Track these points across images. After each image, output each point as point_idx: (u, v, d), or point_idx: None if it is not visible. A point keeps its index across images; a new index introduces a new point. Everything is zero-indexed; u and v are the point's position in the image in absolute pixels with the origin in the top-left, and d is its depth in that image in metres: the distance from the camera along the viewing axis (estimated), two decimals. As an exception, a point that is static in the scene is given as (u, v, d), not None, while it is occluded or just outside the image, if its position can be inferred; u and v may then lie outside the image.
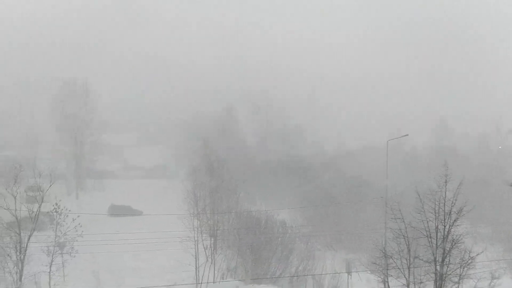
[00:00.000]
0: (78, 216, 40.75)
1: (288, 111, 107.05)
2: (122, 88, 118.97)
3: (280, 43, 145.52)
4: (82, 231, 40.29)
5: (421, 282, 27.66)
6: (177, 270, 42.07)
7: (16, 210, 37.76)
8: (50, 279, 38.94)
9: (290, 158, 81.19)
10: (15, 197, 37.86)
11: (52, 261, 39.09)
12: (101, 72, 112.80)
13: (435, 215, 26.34)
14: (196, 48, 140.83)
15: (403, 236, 27.18)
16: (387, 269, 28.47)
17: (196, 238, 41.77)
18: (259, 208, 52.53)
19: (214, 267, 42.59)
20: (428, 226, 26.48)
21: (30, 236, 37.83)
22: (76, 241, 40.11)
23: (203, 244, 42.86)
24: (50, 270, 38.98)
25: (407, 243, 27.15)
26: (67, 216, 40.51)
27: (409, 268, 27.09)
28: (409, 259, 27.07)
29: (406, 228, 27.37)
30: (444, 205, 26.26)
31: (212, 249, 44.57)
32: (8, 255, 37.26)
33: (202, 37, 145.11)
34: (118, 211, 63.78)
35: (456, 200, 26.50)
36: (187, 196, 46.77)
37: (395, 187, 46.29)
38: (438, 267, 26.30)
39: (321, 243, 52.25)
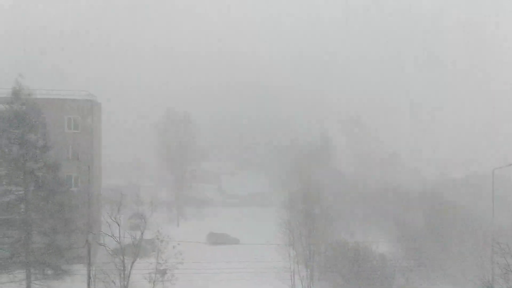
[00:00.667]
0: (179, 244, 41.89)
1: (384, 138, 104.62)
2: (220, 115, 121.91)
3: (378, 67, 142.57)
4: (183, 259, 41.34)
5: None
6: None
7: (120, 237, 39.49)
8: (151, 306, 40.14)
9: (388, 187, 78.79)
10: (119, 225, 39.66)
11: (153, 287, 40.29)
12: (200, 101, 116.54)
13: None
14: (291, 73, 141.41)
15: (513, 273, 25.40)
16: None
17: (292, 269, 41.39)
18: (356, 238, 51.13)
19: (311, 298, 41.93)
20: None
21: (133, 262, 39.34)
22: (177, 268, 41.16)
23: (299, 275, 42.35)
24: (152, 296, 40.20)
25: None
26: (168, 243, 41.71)
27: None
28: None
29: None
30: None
31: (309, 280, 43.88)
32: (113, 281, 38.82)
33: (296, 59, 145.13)
34: (216, 239, 64.82)
35: None
36: (283, 225, 46.69)
37: (502, 220, 43.47)
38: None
39: (423, 277, 49.87)
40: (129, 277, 39.22)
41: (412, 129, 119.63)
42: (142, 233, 40.37)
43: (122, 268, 39.16)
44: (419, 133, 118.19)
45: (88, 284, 36.56)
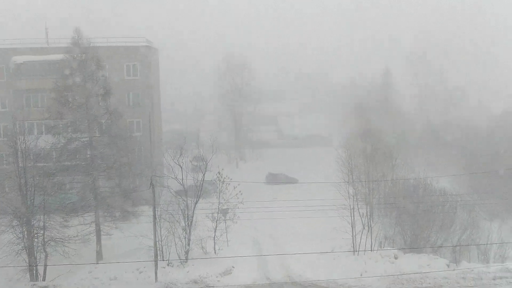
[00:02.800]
0: (239, 184, 42.75)
1: (448, 73, 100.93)
2: (276, 58, 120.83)
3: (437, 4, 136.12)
4: (243, 198, 42.29)
5: None
6: (334, 237, 42.36)
7: (182, 179, 40.70)
8: (215, 244, 41.59)
9: (452, 123, 76.75)
10: (181, 167, 40.81)
11: (216, 227, 41.63)
12: (256, 43, 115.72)
13: None
14: (348, 8, 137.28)
15: None
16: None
17: (351, 206, 41.57)
18: (417, 175, 50.51)
19: (371, 235, 42.14)
20: None
21: (195, 203, 40.68)
22: (238, 208, 42.26)
23: (359, 212, 42.54)
24: (215, 235, 41.59)
25: None
26: (229, 184, 42.70)
27: None
28: None
29: None
30: None
31: (369, 217, 44.02)
32: (177, 221, 40.35)
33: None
34: (274, 179, 65.69)
35: None
36: (341, 163, 46.63)
37: None
38: None
39: (486, 212, 49.03)
40: (192, 216, 40.65)
41: (478, 64, 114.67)
42: (203, 175, 41.46)
43: (185, 209, 40.60)
44: (486, 68, 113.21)
45: (154, 224, 38.16)
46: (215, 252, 41.22)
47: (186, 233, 40.38)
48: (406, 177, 49.25)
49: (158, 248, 38.80)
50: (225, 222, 42.62)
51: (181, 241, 40.34)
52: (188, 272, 38.84)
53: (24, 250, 37.03)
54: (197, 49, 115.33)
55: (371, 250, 41.28)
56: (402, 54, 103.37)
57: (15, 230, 37.26)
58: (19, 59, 51.54)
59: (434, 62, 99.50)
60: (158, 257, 38.68)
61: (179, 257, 39.86)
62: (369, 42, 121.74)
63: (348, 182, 44.07)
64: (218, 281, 38.07)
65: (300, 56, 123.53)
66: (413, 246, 41.08)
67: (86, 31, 43.43)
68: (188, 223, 40.55)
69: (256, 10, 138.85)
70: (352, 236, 41.32)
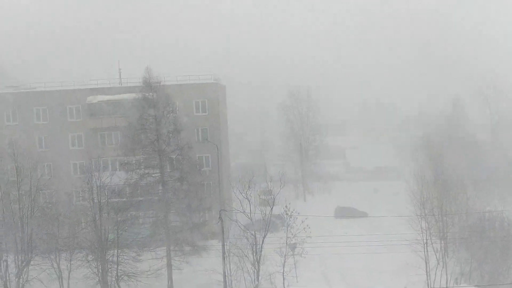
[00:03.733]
0: (306, 218, 42.43)
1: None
2: (340, 90, 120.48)
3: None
4: (311, 232, 41.84)
5: None
6: (407, 273, 41.05)
7: (250, 213, 40.85)
8: (284, 279, 41.16)
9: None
10: (249, 201, 41.01)
11: (284, 262, 41.26)
12: (320, 77, 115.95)
13: None
14: (417, 36, 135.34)
15: None
16: None
17: (425, 241, 40.24)
18: (492, 208, 48.43)
19: (446, 271, 40.54)
20: None
21: (264, 237, 40.56)
22: (306, 242, 41.78)
23: (433, 247, 41.09)
24: (284, 270, 41.20)
25: None
26: (296, 218, 42.41)
27: None
28: None
29: None
30: None
31: (443, 252, 42.42)
32: (246, 255, 40.32)
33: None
34: (343, 213, 64.67)
35: None
36: (413, 197, 45.42)
37: None
38: None
39: None
40: (261, 251, 40.55)
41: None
42: (271, 209, 41.43)
43: (254, 243, 40.56)
44: None
45: (223, 259, 38.34)
46: (284, 288, 40.81)
47: (255, 268, 40.27)
48: (482, 210, 47.30)
49: (227, 283, 38.84)
50: (294, 257, 42.18)
51: (250, 276, 40.23)
52: (258, 307, 38.60)
53: (99, 284, 38.04)
54: (262, 84, 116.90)
55: (446, 287, 39.62)
56: (471, 80, 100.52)
57: (90, 264, 38.43)
58: (93, 99, 53.94)
59: (504, 88, 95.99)
60: (228, 292, 38.71)
61: (249, 292, 39.72)
62: (437, 69, 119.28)
63: (420, 215, 42.75)
64: (288, 317, 37.57)
65: (364, 86, 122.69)
66: (491, 283, 39.18)
67: (156, 70, 45.14)
68: (256, 258, 40.45)
69: (318, 42, 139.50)
70: (426, 272, 39.91)
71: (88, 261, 38.47)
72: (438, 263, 40.72)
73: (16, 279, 38.32)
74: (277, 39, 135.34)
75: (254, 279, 40.15)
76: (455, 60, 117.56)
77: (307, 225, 41.90)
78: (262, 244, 40.52)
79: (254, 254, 40.51)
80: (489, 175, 67.06)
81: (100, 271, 38.11)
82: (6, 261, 38.49)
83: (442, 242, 43.26)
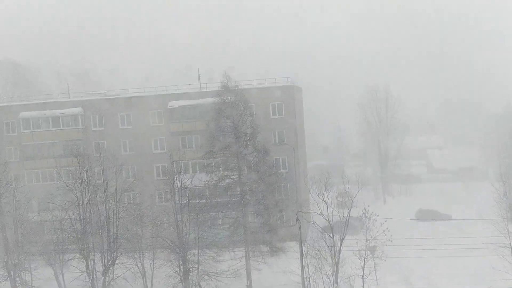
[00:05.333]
0: (386, 221, 41.64)
1: None
2: (420, 89, 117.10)
3: None
4: (391, 235, 40.99)
5: None
6: (492, 277, 39.33)
7: (328, 215, 40.61)
8: (363, 283, 40.60)
9: None
10: (326, 203, 40.81)
11: (364, 264, 40.68)
12: (397, 76, 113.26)
13: None
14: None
15: None
16: None
17: (511, 244, 38.45)
18: None
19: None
20: None
21: (342, 239, 40.18)
22: (386, 245, 41.00)
23: (521, 251, 39.15)
24: (363, 273, 40.63)
25: None
26: (376, 220, 41.68)
27: None
28: None
29: None
30: None
31: (533, 256, 40.28)
32: (324, 257, 40.12)
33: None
34: (425, 215, 62.82)
35: None
36: (499, 198, 43.50)
37: None
38: None
39: None
40: (339, 253, 40.22)
41: None
42: (349, 211, 41.00)
43: (332, 245, 40.28)
44: None
45: (301, 260, 38.37)
46: (364, 291, 40.25)
47: (333, 270, 39.98)
48: None
49: (306, 285, 38.83)
50: (373, 260, 41.49)
51: (329, 279, 39.95)
52: (337, 310, 38.32)
53: (181, 283, 39.19)
54: (338, 84, 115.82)
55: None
56: None
57: (172, 264, 39.67)
58: (174, 103, 55.65)
59: None
60: (307, 293, 38.68)
61: (327, 295, 39.48)
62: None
63: (506, 218, 40.87)
64: (368, 321, 37.04)
65: (445, 84, 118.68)
66: None
67: (234, 74, 46.02)
68: (335, 260, 40.15)
69: (394, 38, 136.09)
70: (514, 277, 38.06)
71: (170, 261, 39.73)
72: (527, 268, 38.73)
73: (103, 277, 40.22)
74: (351, 39, 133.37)
75: (333, 282, 39.87)
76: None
77: (387, 228, 41.09)
78: (340, 246, 40.16)
79: (333, 256, 40.23)
80: None
81: (182, 270, 39.25)
82: (93, 260, 40.49)
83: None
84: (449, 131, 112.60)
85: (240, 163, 43.91)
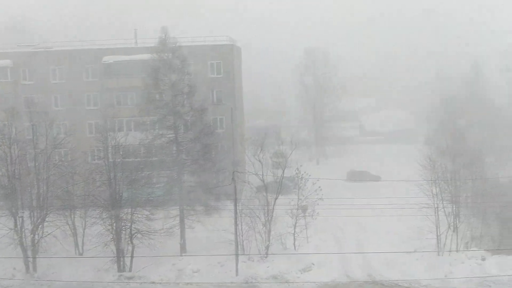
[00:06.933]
0: (318, 180, 42.66)
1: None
2: (359, 52, 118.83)
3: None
4: (322, 195, 42.16)
5: None
6: (417, 237, 41.37)
7: (263, 175, 41.23)
8: (294, 240, 41.80)
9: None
10: (261, 163, 41.35)
11: (295, 223, 41.80)
12: (339, 38, 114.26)
13: None
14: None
15: None
16: None
17: (436, 206, 40.37)
18: (508, 173, 48.23)
19: (457, 235, 40.77)
20: None
21: (276, 199, 41.08)
22: (317, 204, 42.16)
23: (444, 212, 41.24)
24: (295, 231, 41.78)
25: None
26: (308, 180, 42.71)
27: None
28: None
29: None
30: None
31: (454, 216, 42.55)
32: (258, 216, 40.92)
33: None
34: (356, 176, 64.78)
35: None
36: (427, 161, 45.30)
37: None
38: None
39: None
40: (272, 212, 41.10)
41: None
42: (283, 171, 41.79)
43: (265, 204, 41.09)
44: None
45: (235, 219, 38.93)
46: (295, 248, 41.47)
47: (266, 228, 40.89)
48: (496, 176, 47.17)
49: (239, 243, 39.54)
50: (305, 219, 42.66)
51: (261, 236, 40.92)
52: (268, 267, 39.33)
53: (113, 241, 38.97)
54: (278, 45, 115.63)
55: (456, 251, 39.99)
56: (491, 47, 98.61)
57: (105, 222, 39.30)
58: (109, 59, 54.03)
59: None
60: (239, 251, 39.42)
61: (260, 252, 40.43)
62: (457, 35, 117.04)
63: (432, 180, 42.75)
64: (298, 277, 38.29)
65: (382, 49, 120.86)
66: (501, 247, 39.37)
67: (172, 31, 44.95)
68: (268, 219, 41.04)
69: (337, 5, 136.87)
70: (437, 236, 40.18)
71: (103, 219, 39.33)
72: (449, 228, 40.91)
73: (31, 235, 39.38)
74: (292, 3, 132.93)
75: (265, 239, 40.82)
76: (476, 23, 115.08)
77: (319, 187, 42.18)
78: (273, 205, 41.03)
79: (266, 215, 41.09)
80: (506, 139, 66.59)
81: (114, 228, 38.96)
82: (22, 217, 39.51)
83: (454, 206, 43.37)
84: (382, 95, 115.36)
85: (176, 122, 43.47)
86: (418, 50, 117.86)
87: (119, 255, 39.05)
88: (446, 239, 40.16)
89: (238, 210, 39.34)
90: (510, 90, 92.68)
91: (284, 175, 41.86)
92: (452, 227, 41.08)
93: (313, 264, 39.35)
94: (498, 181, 45.78)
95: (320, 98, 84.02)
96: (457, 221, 42.49)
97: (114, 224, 39.00)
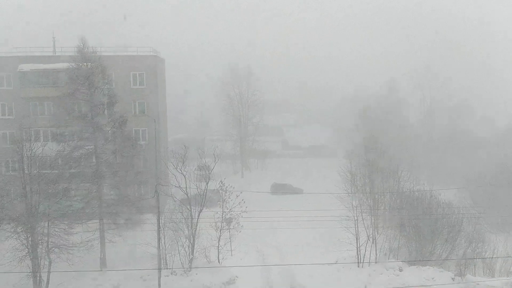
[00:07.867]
0: (241, 193, 42.66)
1: (454, 85, 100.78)
2: (279, 69, 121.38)
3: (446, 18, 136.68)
4: (246, 207, 42.17)
5: None
6: (338, 249, 42.18)
7: (186, 188, 40.71)
8: (218, 253, 41.47)
9: (457, 135, 76.72)
10: (184, 176, 40.85)
11: (220, 236, 41.51)
12: (259, 56, 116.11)
13: None
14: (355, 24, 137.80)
15: None
16: None
17: (356, 218, 41.41)
18: (422, 187, 50.37)
19: (376, 247, 41.95)
20: None
21: (200, 212, 40.62)
22: (241, 217, 42.10)
23: (363, 224, 42.36)
24: (219, 244, 41.48)
25: None
26: (232, 193, 42.61)
27: None
28: None
29: None
30: None
31: (373, 228, 43.80)
32: (181, 229, 40.27)
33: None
34: (279, 189, 65.61)
35: None
36: (345, 175, 46.54)
37: None
38: None
39: (492, 225, 48.80)
40: (196, 225, 40.58)
41: (484, 80, 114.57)
42: (207, 184, 41.46)
43: (189, 217, 40.55)
44: (491, 83, 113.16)
45: (158, 233, 38.07)
46: (218, 261, 41.11)
47: (190, 241, 40.31)
48: (411, 189, 49.12)
49: (162, 257, 38.70)
50: (229, 231, 42.47)
51: (185, 250, 40.26)
52: (191, 281, 38.70)
53: (28, 256, 36.98)
54: (202, 59, 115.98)
55: (375, 262, 41.07)
56: (407, 67, 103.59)
57: (20, 236, 37.20)
58: (26, 67, 51.82)
59: (439, 75, 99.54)
60: (162, 265, 38.59)
61: (183, 266, 39.76)
62: (373, 55, 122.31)
63: (351, 193, 43.90)
64: (222, 290, 37.91)
65: (303, 67, 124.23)
66: (418, 259, 40.83)
67: (93, 41, 43.83)
68: (192, 232, 40.48)
69: (261, 19, 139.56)
70: (357, 247, 41.14)
71: (17, 233, 37.24)
72: (368, 239, 42.06)
73: None
74: (221, 18, 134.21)
75: (189, 253, 40.22)
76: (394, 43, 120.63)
77: (243, 199, 42.17)
78: (197, 218, 40.56)
79: (190, 228, 40.52)
80: (419, 154, 69.74)
81: (30, 242, 37.03)
82: None
83: (373, 219, 44.68)
84: (304, 111, 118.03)
85: (95, 133, 42.11)
86: (338, 69, 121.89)
87: (35, 270, 37.08)
88: (365, 250, 41.17)
89: (161, 224, 38.49)
90: (422, 108, 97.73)
91: (208, 188, 41.52)
92: (371, 239, 42.20)
93: (237, 277, 39.15)
94: (414, 195, 47.61)
95: (244, 113, 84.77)
96: (375, 233, 43.71)
97: (30, 238, 37.04)
